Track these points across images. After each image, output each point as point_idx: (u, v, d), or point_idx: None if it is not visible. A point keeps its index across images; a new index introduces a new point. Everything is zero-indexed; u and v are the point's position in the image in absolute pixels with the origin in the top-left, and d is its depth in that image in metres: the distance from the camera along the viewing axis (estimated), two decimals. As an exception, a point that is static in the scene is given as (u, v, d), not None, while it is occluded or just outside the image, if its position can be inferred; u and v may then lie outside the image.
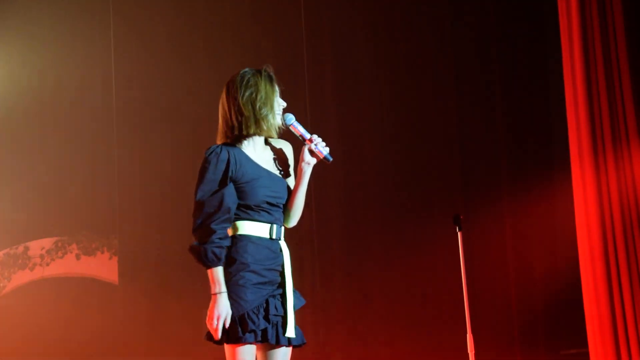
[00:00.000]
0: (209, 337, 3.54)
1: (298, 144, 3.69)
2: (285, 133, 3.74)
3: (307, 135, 3.64)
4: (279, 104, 3.65)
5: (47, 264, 8.00)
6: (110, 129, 7.81)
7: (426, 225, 6.87)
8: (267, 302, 3.50)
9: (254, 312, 3.45)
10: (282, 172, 3.67)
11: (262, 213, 3.57)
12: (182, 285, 7.32)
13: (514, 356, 6.62)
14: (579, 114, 6.10)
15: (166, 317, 7.36)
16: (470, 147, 7.00)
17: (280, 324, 3.52)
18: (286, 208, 3.65)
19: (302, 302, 3.64)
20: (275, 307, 3.51)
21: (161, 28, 7.77)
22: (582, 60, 6.08)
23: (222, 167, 3.52)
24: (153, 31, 7.78)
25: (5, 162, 8.02)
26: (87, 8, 8.02)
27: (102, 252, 7.92)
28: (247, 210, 3.54)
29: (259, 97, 3.56)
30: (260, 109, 3.56)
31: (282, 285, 3.57)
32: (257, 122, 3.56)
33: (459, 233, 5.71)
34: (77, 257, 7.96)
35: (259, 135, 3.61)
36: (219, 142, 3.62)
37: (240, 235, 3.53)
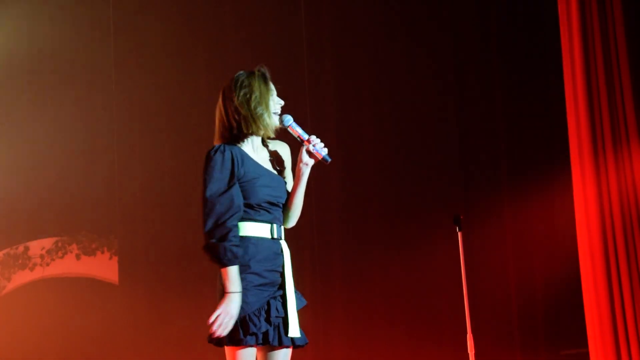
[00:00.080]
0: (212, 339, 3.53)
1: (296, 144, 3.69)
2: (283, 133, 3.75)
3: (305, 136, 3.64)
4: (276, 102, 3.66)
5: (47, 264, 8.00)
6: (110, 129, 7.81)
7: (426, 225, 6.87)
8: (268, 304, 3.49)
9: (255, 315, 3.45)
10: (279, 172, 3.68)
11: (262, 212, 3.57)
12: (182, 285, 7.33)
13: (514, 356, 6.62)
14: (579, 114, 6.10)
15: (166, 317, 7.36)
16: (471, 147, 7.00)
17: (281, 325, 3.52)
18: (285, 208, 3.66)
19: (304, 302, 3.65)
20: (277, 309, 3.51)
21: (161, 28, 7.77)
22: (582, 60, 6.08)
23: (229, 165, 3.53)
24: (153, 31, 7.78)
25: (4, 162, 8.02)
26: (88, 7, 8.03)
27: (102, 252, 7.92)
28: (248, 210, 3.54)
29: (253, 97, 3.58)
30: (255, 108, 3.57)
31: (283, 286, 3.57)
32: (253, 121, 3.57)
33: (459, 233, 5.71)
34: (77, 257, 7.96)
35: (256, 135, 3.61)
36: (216, 144, 3.63)
37: (241, 236, 3.53)
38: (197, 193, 7.38)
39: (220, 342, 3.49)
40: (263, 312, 3.47)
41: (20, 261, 8.03)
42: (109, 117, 7.84)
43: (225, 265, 3.43)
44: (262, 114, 3.58)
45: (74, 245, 7.98)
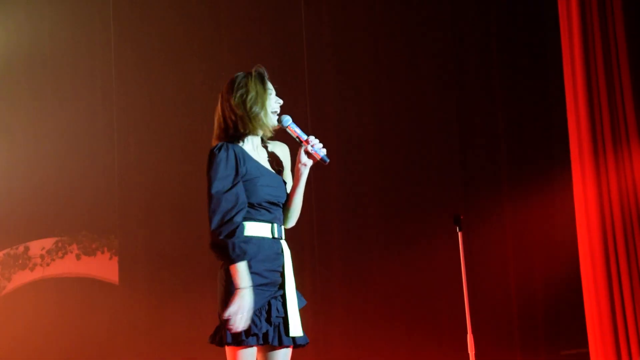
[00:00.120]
0: (213, 339, 3.54)
1: (295, 145, 3.70)
2: (282, 134, 3.75)
3: (304, 137, 3.65)
4: (273, 102, 3.67)
5: (48, 264, 8.00)
6: (110, 129, 7.81)
7: (426, 225, 6.87)
8: (269, 304, 3.50)
9: (256, 315, 3.45)
10: (279, 173, 3.70)
11: (263, 212, 3.57)
12: (182, 285, 7.33)
13: (514, 356, 6.62)
14: (579, 114, 6.10)
15: (166, 317, 7.36)
16: (471, 147, 7.00)
17: (281, 325, 3.52)
18: (285, 208, 3.67)
19: (304, 302, 3.65)
20: (277, 309, 3.51)
21: (160, 28, 7.77)
22: (582, 60, 6.08)
23: (233, 163, 3.53)
24: (152, 32, 7.78)
25: (5, 162, 8.02)
26: (88, 7, 8.03)
27: (102, 252, 7.92)
28: (249, 209, 3.54)
29: (249, 97, 3.59)
30: (250, 108, 3.58)
31: (283, 286, 3.57)
32: (250, 121, 3.58)
33: (459, 233, 5.71)
34: (78, 257, 7.96)
35: (254, 134, 3.62)
36: (214, 144, 3.64)
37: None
38: (197, 193, 7.37)
39: (220, 342, 3.49)
40: (264, 312, 3.47)
41: (20, 261, 8.02)
42: (109, 117, 7.84)
43: (235, 261, 3.42)
44: (257, 114, 3.59)
45: (74, 245, 7.98)
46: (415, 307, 6.87)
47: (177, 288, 7.35)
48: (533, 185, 6.70)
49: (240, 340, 3.42)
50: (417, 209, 6.98)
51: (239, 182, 3.51)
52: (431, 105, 7.08)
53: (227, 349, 3.48)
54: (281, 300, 3.54)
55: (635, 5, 6.03)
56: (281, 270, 3.58)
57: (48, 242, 8.03)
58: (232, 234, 3.43)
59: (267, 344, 3.50)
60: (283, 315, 3.52)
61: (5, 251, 8.06)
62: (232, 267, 3.42)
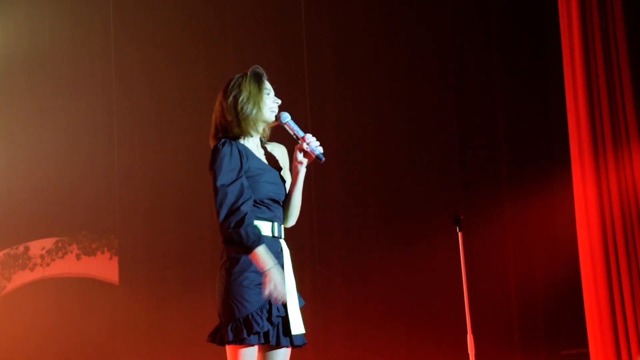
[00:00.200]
0: (213, 338, 3.54)
1: (294, 145, 3.71)
2: (280, 136, 3.76)
3: (301, 134, 3.66)
4: (270, 101, 3.68)
5: (48, 264, 8.00)
6: (110, 129, 7.81)
7: (426, 225, 6.87)
8: (269, 303, 3.50)
9: (257, 314, 3.45)
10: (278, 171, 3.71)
11: (264, 209, 3.58)
12: (183, 285, 7.33)
13: (514, 356, 6.61)
14: (579, 114, 6.10)
15: (166, 317, 7.36)
16: (471, 147, 6.99)
17: (280, 324, 3.53)
18: (284, 207, 3.68)
19: (302, 302, 3.66)
20: (278, 309, 3.51)
21: (161, 28, 7.77)
22: (582, 60, 6.08)
23: (237, 158, 3.55)
24: (153, 31, 7.78)
25: (5, 162, 8.02)
26: (88, 7, 8.03)
27: (102, 252, 7.92)
28: (250, 207, 3.56)
29: (241, 98, 3.62)
30: (242, 109, 3.61)
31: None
32: (238, 124, 3.61)
33: (459, 233, 5.71)
34: (78, 257, 7.96)
35: (247, 136, 3.62)
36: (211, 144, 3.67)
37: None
38: (197, 193, 7.42)
39: (221, 341, 3.50)
40: (265, 312, 3.48)
41: (20, 261, 8.02)
42: (109, 117, 7.84)
43: (253, 248, 3.43)
44: (248, 116, 3.62)
45: (74, 245, 7.98)
46: (415, 307, 6.87)
47: (177, 288, 7.35)
48: (533, 185, 6.70)
49: (241, 338, 3.42)
50: (417, 209, 6.98)
51: (243, 175, 3.52)
52: (431, 105, 7.08)
53: (228, 348, 3.48)
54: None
55: (635, 5, 6.02)
56: (281, 269, 3.58)
57: (48, 242, 8.03)
58: (241, 222, 3.44)
59: (268, 343, 3.50)
60: (283, 314, 3.52)
61: (5, 251, 8.06)
62: (252, 255, 3.43)
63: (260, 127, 3.68)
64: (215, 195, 3.49)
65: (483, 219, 6.76)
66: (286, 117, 3.69)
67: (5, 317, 7.88)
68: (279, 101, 3.72)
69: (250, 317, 3.43)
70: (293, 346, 3.58)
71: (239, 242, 3.43)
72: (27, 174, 7.96)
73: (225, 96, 3.64)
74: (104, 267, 7.89)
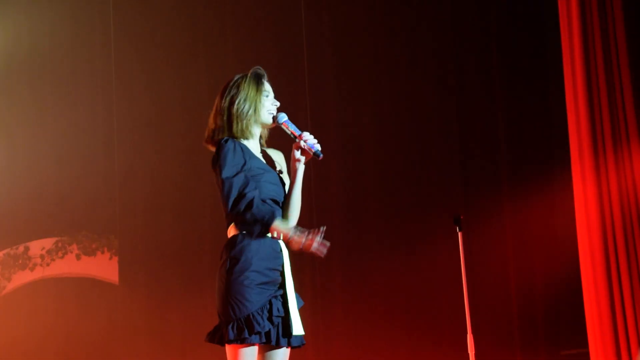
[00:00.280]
0: (212, 338, 3.54)
1: (292, 146, 3.71)
2: (278, 137, 3.76)
3: (298, 132, 3.66)
4: (268, 103, 3.68)
5: (48, 264, 8.00)
6: (110, 129, 7.81)
7: (426, 225, 6.87)
8: (270, 303, 3.50)
9: (258, 313, 3.45)
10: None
11: (265, 208, 3.59)
12: (182, 285, 7.33)
13: (514, 356, 6.61)
14: (579, 114, 6.10)
15: (166, 317, 7.36)
16: (471, 148, 6.99)
17: (280, 325, 3.53)
18: (284, 208, 3.68)
19: (301, 303, 3.66)
20: (278, 309, 3.51)
21: (161, 28, 7.77)
22: (582, 60, 6.08)
23: (240, 154, 3.57)
24: (153, 31, 7.78)
25: (5, 162, 8.02)
26: (88, 8, 8.03)
27: (102, 252, 7.92)
28: (251, 205, 3.56)
29: (238, 99, 3.64)
30: (237, 110, 3.63)
31: (283, 285, 3.57)
32: (238, 123, 3.61)
33: (459, 233, 5.71)
34: (78, 257, 7.96)
35: (244, 137, 3.62)
36: (204, 144, 3.69)
37: (243, 234, 3.54)
38: (197, 193, 7.41)
39: (221, 340, 3.50)
40: (265, 311, 3.48)
41: (20, 261, 8.02)
42: (109, 117, 7.84)
43: (270, 223, 3.48)
44: (243, 118, 3.62)
45: (74, 245, 7.97)
46: (415, 307, 6.86)
47: (177, 288, 7.35)
48: (533, 185, 6.70)
49: (242, 338, 3.42)
50: (417, 209, 6.98)
51: (246, 170, 3.53)
52: (431, 105, 7.08)
53: (228, 347, 3.48)
54: (281, 300, 3.54)
55: (635, 5, 6.02)
56: (281, 269, 3.59)
57: (48, 242, 8.02)
58: (250, 204, 3.46)
59: (268, 343, 3.50)
60: (283, 315, 3.52)
61: (5, 251, 8.06)
62: (272, 229, 3.49)
63: (257, 129, 3.68)
64: (221, 188, 3.50)
65: (483, 219, 6.76)
66: (283, 117, 3.69)
67: (5, 317, 7.88)
68: (278, 103, 3.72)
69: (251, 316, 3.43)
70: (292, 346, 3.58)
71: (257, 223, 3.46)
72: (27, 174, 7.96)
73: (223, 97, 3.65)
74: (103, 267, 7.89)
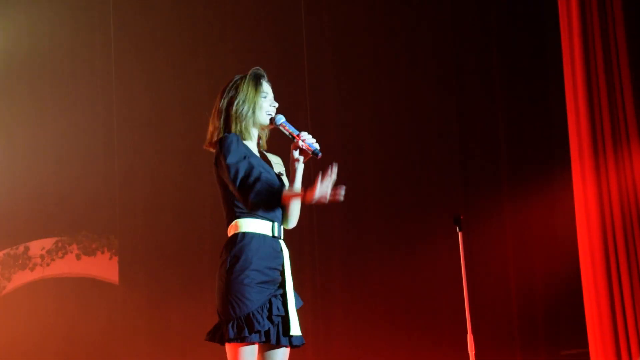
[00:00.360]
0: (212, 337, 3.55)
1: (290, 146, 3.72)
2: (278, 140, 3.76)
3: (296, 132, 3.66)
4: (267, 104, 3.69)
5: (48, 264, 8.00)
6: (110, 129, 7.81)
7: (426, 225, 6.87)
8: (270, 302, 3.50)
9: (258, 312, 3.45)
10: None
11: (265, 208, 3.60)
12: (182, 285, 7.33)
13: (514, 356, 6.61)
14: (579, 114, 6.10)
15: (166, 317, 7.36)
16: (471, 148, 6.99)
17: (280, 324, 3.53)
18: (284, 209, 3.67)
19: (301, 303, 3.67)
20: (277, 308, 3.52)
21: (161, 28, 7.77)
22: (582, 60, 6.08)
23: (243, 147, 3.59)
24: (153, 32, 7.78)
25: (5, 162, 8.02)
26: (88, 8, 8.03)
27: (102, 252, 7.92)
28: (252, 204, 3.57)
29: (236, 100, 3.65)
30: (236, 111, 3.64)
31: (283, 285, 3.58)
32: (234, 123, 3.63)
33: (459, 233, 5.70)
34: (78, 257, 7.96)
35: (242, 138, 3.64)
36: (205, 147, 3.70)
37: (243, 233, 3.55)
38: (197, 193, 7.40)
39: (221, 339, 3.50)
40: (265, 310, 3.48)
41: (20, 261, 8.02)
42: (109, 117, 7.84)
43: (281, 191, 3.49)
44: (245, 114, 3.64)
45: (74, 245, 7.97)
46: (415, 307, 6.86)
47: (176, 288, 7.35)
48: (533, 185, 6.70)
49: (242, 336, 3.42)
50: (417, 209, 6.98)
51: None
52: (431, 105, 7.08)
53: (228, 346, 3.48)
54: (281, 300, 3.54)
55: (635, 5, 6.02)
56: (281, 269, 3.59)
57: (48, 242, 8.03)
58: (259, 178, 3.47)
59: (268, 342, 3.51)
60: (282, 314, 3.52)
61: (5, 251, 8.06)
62: (285, 198, 3.50)
63: (255, 130, 3.68)
64: (228, 174, 3.49)
65: (483, 219, 6.76)
66: (280, 118, 3.69)
67: (5, 317, 7.88)
68: (276, 104, 3.72)
69: (251, 315, 3.44)
70: (292, 346, 3.59)
71: (266, 192, 3.45)
72: (27, 174, 7.96)
73: (222, 98, 3.66)
74: (103, 267, 7.89)
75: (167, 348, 7.29)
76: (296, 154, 3.66)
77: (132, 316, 7.49)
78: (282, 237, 3.65)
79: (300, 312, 3.62)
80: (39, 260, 8.00)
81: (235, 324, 3.43)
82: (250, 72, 3.71)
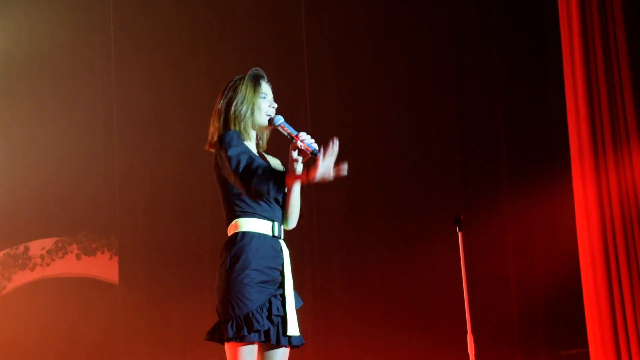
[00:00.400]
0: (212, 336, 3.55)
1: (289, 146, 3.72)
2: (278, 140, 3.76)
3: (295, 133, 3.66)
4: (265, 104, 3.69)
5: (48, 264, 8.00)
6: (110, 129, 7.81)
7: (426, 225, 6.87)
8: (269, 302, 3.50)
9: (258, 312, 3.45)
10: None
11: (265, 207, 3.59)
12: (182, 285, 7.33)
13: (514, 356, 6.61)
14: (579, 114, 6.10)
15: (166, 317, 7.36)
16: (471, 148, 6.99)
17: (280, 324, 3.53)
18: (284, 209, 3.67)
19: (300, 303, 3.67)
20: (277, 308, 3.52)
21: (161, 29, 7.77)
22: (582, 60, 6.08)
23: (243, 143, 3.58)
24: (153, 32, 7.78)
25: (5, 162, 8.02)
26: (88, 8, 8.03)
27: (102, 252, 7.92)
28: (252, 204, 3.56)
29: (235, 101, 3.65)
30: (235, 111, 3.64)
31: (282, 285, 3.58)
32: (233, 124, 3.63)
33: (459, 233, 5.70)
34: (78, 257, 7.96)
35: (242, 139, 3.63)
36: (206, 147, 3.70)
37: (243, 232, 3.55)
38: (197, 193, 7.40)
39: (220, 339, 3.50)
40: (265, 310, 3.48)
41: (20, 261, 8.02)
42: (109, 117, 7.84)
43: (283, 175, 3.47)
44: (244, 114, 3.64)
45: (74, 245, 7.98)
46: (415, 307, 6.86)
47: (176, 288, 7.35)
48: (533, 185, 6.70)
49: (242, 336, 3.42)
50: (417, 209, 6.98)
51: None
52: (431, 105, 7.08)
53: (228, 345, 3.48)
54: (280, 300, 3.54)
55: (635, 5, 6.02)
56: (281, 268, 3.59)
57: (48, 242, 8.03)
58: (258, 168, 3.45)
59: (267, 342, 3.51)
60: (282, 314, 3.52)
61: (5, 251, 8.06)
62: (288, 180, 3.48)
63: (254, 131, 3.68)
64: (229, 165, 3.48)
65: (483, 219, 6.76)
66: (279, 119, 3.69)
67: (5, 317, 7.88)
68: (275, 105, 3.72)
69: (250, 315, 3.44)
70: (292, 346, 3.59)
71: (269, 177, 3.44)
72: (27, 174, 7.96)
73: (221, 98, 3.68)
74: (103, 267, 7.90)
75: (167, 348, 7.29)
76: (295, 154, 3.66)
77: (132, 316, 7.49)
78: (282, 237, 3.65)
79: (300, 312, 3.62)
80: (39, 260, 8.00)
81: (235, 324, 3.43)
82: (249, 72, 3.71)
